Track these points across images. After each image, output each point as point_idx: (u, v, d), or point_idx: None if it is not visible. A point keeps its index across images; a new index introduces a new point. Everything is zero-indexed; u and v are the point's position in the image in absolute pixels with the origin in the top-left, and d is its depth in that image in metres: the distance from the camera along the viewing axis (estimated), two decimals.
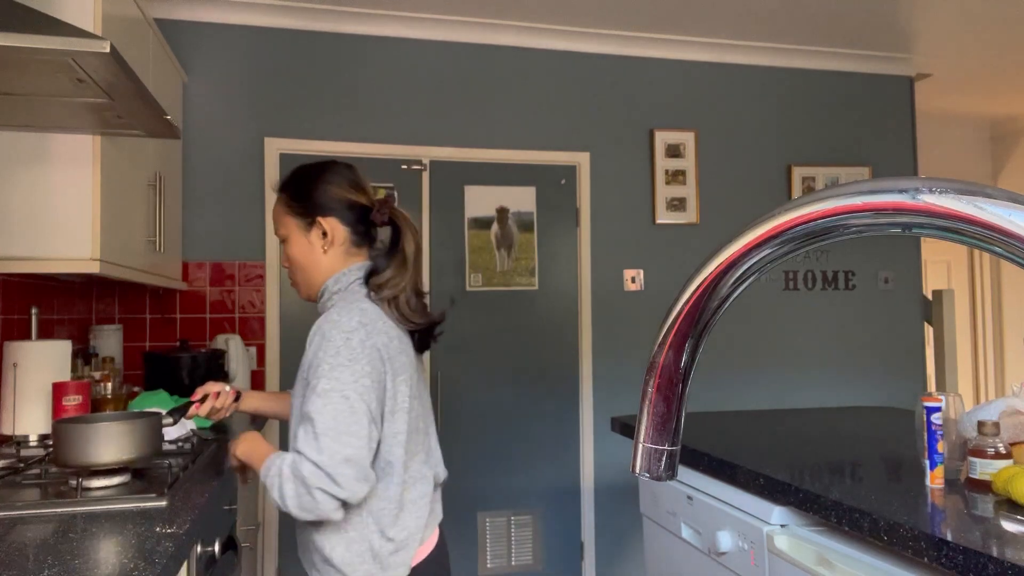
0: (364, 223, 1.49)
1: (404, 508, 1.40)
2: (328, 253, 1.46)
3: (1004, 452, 1.38)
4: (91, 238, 1.97)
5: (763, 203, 3.95)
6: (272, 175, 3.34)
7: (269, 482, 1.31)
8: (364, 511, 1.36)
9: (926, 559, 1.15)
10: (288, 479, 1.28)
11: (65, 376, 2.07)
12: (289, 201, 1.47)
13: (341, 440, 1.27)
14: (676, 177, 3.83)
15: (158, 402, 2.30)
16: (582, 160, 3.71)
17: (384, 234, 1.54)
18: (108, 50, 1.34)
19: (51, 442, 1.95)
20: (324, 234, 1.45)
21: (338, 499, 1.27)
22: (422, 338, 1.49)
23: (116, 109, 1.68)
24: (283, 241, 1.48)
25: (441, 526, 1.55)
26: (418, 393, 1.46)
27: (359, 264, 1.48)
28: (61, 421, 1.50)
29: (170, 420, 1.84)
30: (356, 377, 1.31)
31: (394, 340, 1.39)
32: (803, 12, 3.54)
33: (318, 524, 1.36)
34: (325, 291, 1.46)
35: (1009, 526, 1.19)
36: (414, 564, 1.41)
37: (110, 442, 1.46)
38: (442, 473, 1.53)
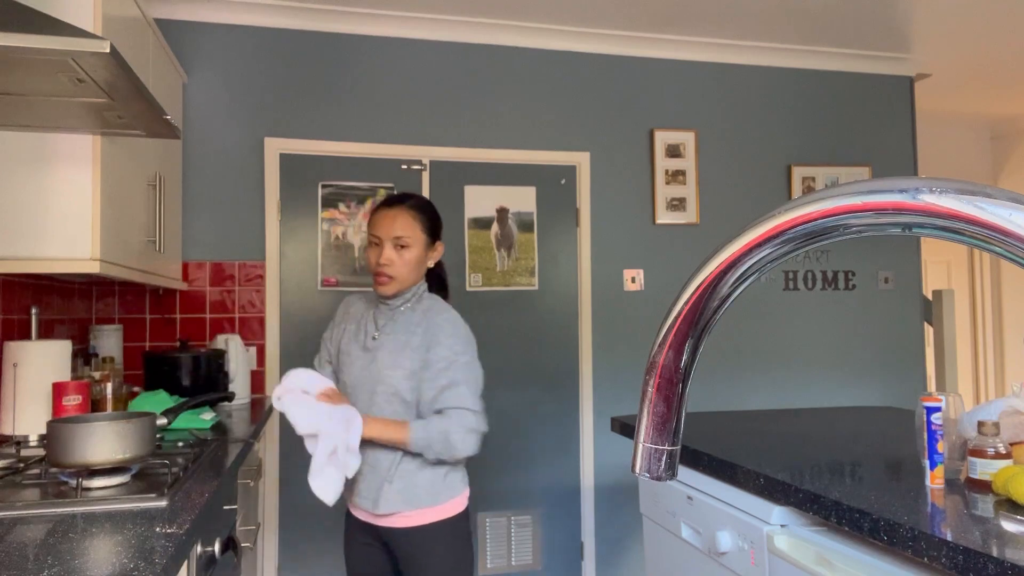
0: None
1: None
2: (425, 267, 1.92)
3: (1004, 452, 1.38)
4: (91, 238, 1.97)
5: (763, 203, 3.95)
6: (272, 175, 3.34)
7: (429, 441, 1.76)
8: None
9: (926, 559, 1.15)
10: (457, 430, 1.77)
11: (65, 376, 2.07)
12: (425, 221, 1.89)
13: (480, 396, 1.84)
14: (676, 177, 3.83)
15: (158, 402, 2.31)
16: (582, 160, 3.71)
17: None
18: (108, 50, 1.34)
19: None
20: (432, 254, 1.93)
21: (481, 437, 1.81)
22: None
23: (116, 109, 1.68)
24: (401, 246, 1.83)
25: None
26: None
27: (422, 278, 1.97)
28: (55, 421, 1.50)
29: (164, 420, 1.84)
30: (475, 353, 1.87)
31: None
32: (803, 12, 3.54)
33: (435, 463, 1.84)
34: (411, 292, 1.90)
35: (1009, 526, 1.19)
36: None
37: (104, 442, 1.46)
38: None
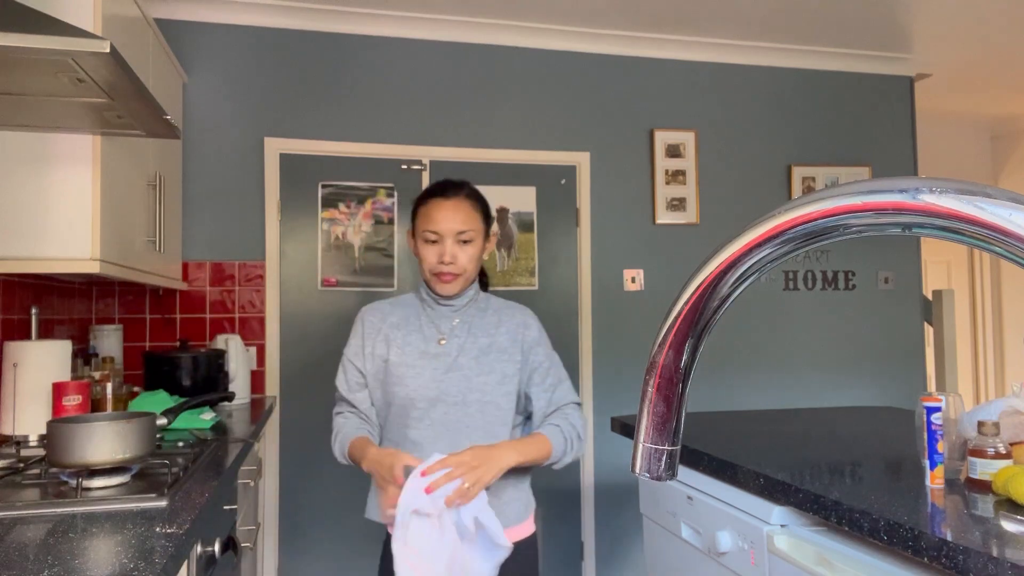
0: None
1: None
2: (482, 259, 1.74)
3: (1004, 452, 1.38)
4: (91, 238, 1.97)
5: (763, 203, 3.95)
6: (272, 175, 3.34)
7: (566, 446, 1.64)
8: None
9: (926, 559, 1.15)
10: (582, 426, 1.68)
11: (65, 376, 2.07)
12: (483, 210, 1.72)
13: None
14: (676, 177, 3.83)
15: (158, 402, 2.31)
16: (582, 160, 3.71)
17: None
18: (108, 50, 1.34)
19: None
20: (488, 246, 1.75)
21: None
22: None
23: (116, 109, 1.68)
24: (463, 241, 1.65)
25: None
26: None
27: None
28: (55, 421, 1.50)
29: (164, 420, 1.84)
30: None
31: None
32: (803, 12, 3.54)
33: (519, 476, 1.70)
34: (473, 289, 1.75)
35: (1009, 526, 1.19)
36: None
37: (104, 442, 1.46)
38: None
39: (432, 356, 1.66)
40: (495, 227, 1.71)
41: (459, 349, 1.67)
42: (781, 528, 1.54)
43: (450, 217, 1.63)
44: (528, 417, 1.74)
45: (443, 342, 1.67)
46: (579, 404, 1.72)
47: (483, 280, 1.81)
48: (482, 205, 1.71)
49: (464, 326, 1.70)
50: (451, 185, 1.68)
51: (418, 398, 1.63)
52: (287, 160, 3.37)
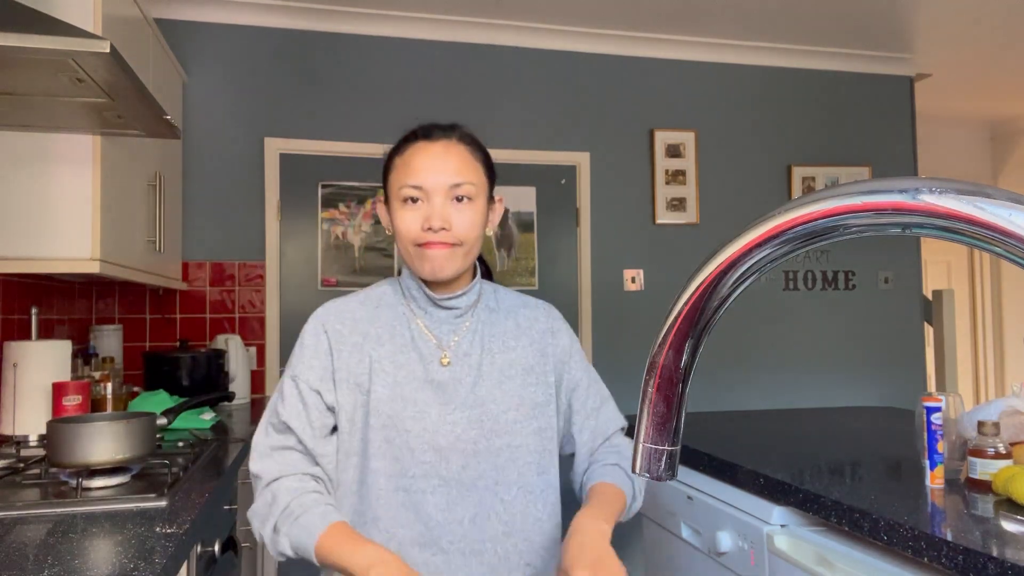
0: None
1: None
2: (484, 235, 1.23)
3: (1004, 452, 1.38)
4: (91, 238, 1.97)
5: (763, 203, 3.95)
6: (272, 175, 3.33)
7: (635, 491, 1.25)
8: None
9: (926, 559, 1.15)
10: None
11: (65, 376, 2.07)
12: (485, 159, 1.24)
13: None
14: (676, 177, 3.83)
15: (158, 402, 2.31)
16: (582, 160, 3.71)
17: None
18: (108, 50, 1.34)
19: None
20: (492, 216, 1.26)
21: None
22: None
23: (116, 109, 1.68)
24: (459, 197, 1.16)
25: None
26: None
27: None
28: (55, 421, 1.50)
29: (164, 420, 1.84)
30: None
31: None
32: (803, 12, 3.54)
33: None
34: (477, 279, 1.25)
35: (1009, 526, 1.19)
36: None
37: (104, 442, 1.46)
38: None
39: (436, 386, 1.17)
40: (500, 199, 1.28)
41: (473, 372, 1.20)
42: (781, 528, 1.54)
43: (438, 166, 1.16)
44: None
45: (447, 362, 1.19)
46: (625, 428, 1.33)
47: (485, 271, 1.41)
48: (483, 153, 1.24)
49: (474, 336, 1.22)
50: (438, 126, 1.23)
51: (420, 449, 1.14)
52: (287, 160, 3.37)
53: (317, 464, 1.16)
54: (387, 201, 1.21)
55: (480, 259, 1.33)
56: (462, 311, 1.23)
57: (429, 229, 1.13)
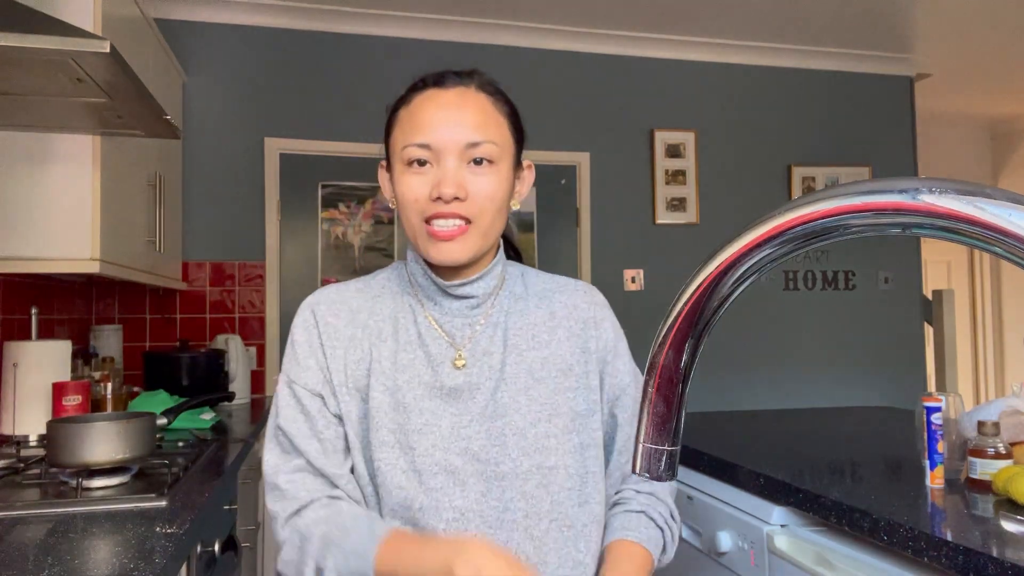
0: None
1: None
2: (509, 210, 1.01)
3: (1004, 452, 1.38)
4: (91, 238, 1.97)
5: (763, 203, 3.95)
6: (272, 175, 3.33)
7: (665, 539, 1.02)
8: None
9: (926, 559, 1.15)
10: (671, 495, 1.07)
11: (65, 376, 2.07)
12: (508, 113, 1.01)
13: None
14: (676, 177, 3.83)
15: (158, 402, 2.31)
16: (582, 160, 3.71)
17: None
18: (108, 50, 1.34)
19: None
20: (520, 186, 1.05)
21: None
22: None
23: (116, 109, 1.68)
24: (478, 160, 0.94)
25: None
26: None
27: None
28: (55, 421, 1.50)
29: (164, 420, 1.84)
30: None
31: None
32: (803, 12, 3.54)
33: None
34: (498, 260, 1.02)
35: (1009, 526, 1.19)
36: None
37: (104, 442, 1.46)
38: None
39: (448, 393, 0.94)
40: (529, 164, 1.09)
41: (494, 374, 0.96)
42: (781, 528, 1.54)
43: (452, 119, 0.94)
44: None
45: (462, 364, 0.96)
46: None
47: (513, 253, 1.12)
48: (508, 106, 1.02)
49: (495, 330, 0.99)
50: (453, 73, 1.01)
51: (429, 471, 0.91)
52: (287, 160, 3.37)
53: (336, 487, 0.93)
54: (389, 167, 1.01)
55: (506, 240, 1.08)
56: (479, 300, 0.99)
57: (439, 199, 0.91)
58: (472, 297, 0.99)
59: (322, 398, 0.96)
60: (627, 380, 1.06)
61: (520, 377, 0.96)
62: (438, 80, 0.99)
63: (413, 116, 0.96)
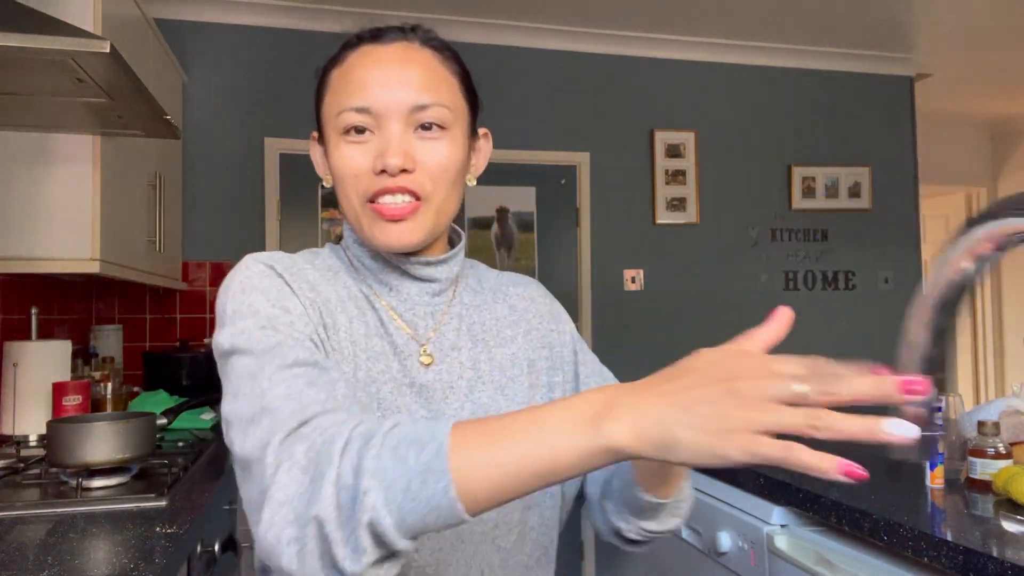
0: None
1: None
2: (465, 187, 0.88)
3: (1004, 452, 1.38)
4: (91, 238, 1.97)
5: (763, 203, 3.95)
6: (272, 175, 3.33)
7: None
8: None
9: (926, 559, 1.15)
10: None
11: (65, 376, 2.07)
12: (459, 71, 0.89)
13: None
14: (676, 177, 3.83)
15: (158, 402, 2.31)
16: (582, 160, 3.71)
17: None
18: (108, 50, 1.34)
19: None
20: (477, 158, 0.94)
21: None
22: None
23: (116, 109, 1.68)
24: (426, 126, 0.80)
25: None
26: None
27: None
28: (55, 421, 1.50)
29: (164, 420, 1.84)
30: None
31: None
32: (803, 12, 3.54)
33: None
34: (460, 247, 0.89)
35: (1009, 526, 1.19)
36: None
37: (104, 442, 1.46)
38: None
39: (418, 391, 0.81)
40: (485, 141, 0.98)
41: (468, 372, 0.84)
42: (781, 528, 1.54)
43: (394, 78, 0.80)
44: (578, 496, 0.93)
45: (428, 361, 0.83)
46: None
47: (457, 238, 0.94)
48: (458, 65, 0.91)
49: (460, 324, 0.87)
50: (393, 28, 0.90)
51: None
52: (287, 160, 3.37)
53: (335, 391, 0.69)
54: (322, 138, 0.84)
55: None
56: (442, 286, 0.86)
57: (383, 172, 0.76)
58: (435, 281, 0.85)
59: (309, 343, 0.72)
60: (596, 367, 0.95)
61: (495, 376, 0.85)
62: (376, 35, 0.86)
63: (347, 76, 0.81)
